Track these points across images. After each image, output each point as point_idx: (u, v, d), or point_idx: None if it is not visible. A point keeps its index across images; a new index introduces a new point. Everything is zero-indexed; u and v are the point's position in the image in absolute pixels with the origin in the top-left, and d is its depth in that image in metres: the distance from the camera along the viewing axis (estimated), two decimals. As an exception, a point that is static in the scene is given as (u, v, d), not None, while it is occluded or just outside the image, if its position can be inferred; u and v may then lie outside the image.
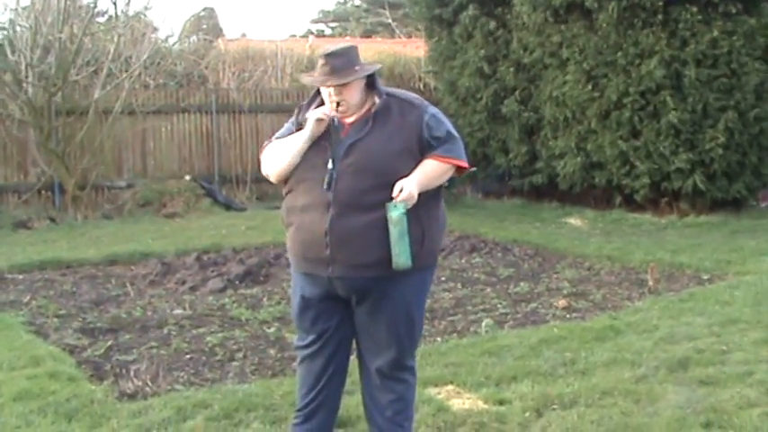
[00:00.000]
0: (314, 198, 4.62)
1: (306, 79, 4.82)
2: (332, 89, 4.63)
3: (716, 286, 9.91)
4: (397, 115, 4.67)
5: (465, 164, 4.81)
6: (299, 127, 4.81)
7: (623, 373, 6.58)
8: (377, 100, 4.70)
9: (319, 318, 4.85)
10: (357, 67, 4.64)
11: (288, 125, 4.92)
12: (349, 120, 4.70)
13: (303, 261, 4.77)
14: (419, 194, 4.54)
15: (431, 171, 4.63)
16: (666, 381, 6.40)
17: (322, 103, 4.78)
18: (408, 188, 4.45)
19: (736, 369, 6.58)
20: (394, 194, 4.46)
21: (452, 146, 4.74)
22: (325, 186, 4.58)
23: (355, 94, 4.66)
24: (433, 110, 4.78)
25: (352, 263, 4.58)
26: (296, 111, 4.93)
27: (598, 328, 7.92)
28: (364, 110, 4.71)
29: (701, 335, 7.64)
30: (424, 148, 4.65)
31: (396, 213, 4.44)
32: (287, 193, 4.81)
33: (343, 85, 4.60)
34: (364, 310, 4.75)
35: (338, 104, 4.66)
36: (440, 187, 4.78)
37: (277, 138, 4.92)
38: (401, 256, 4.46)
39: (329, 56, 4.62)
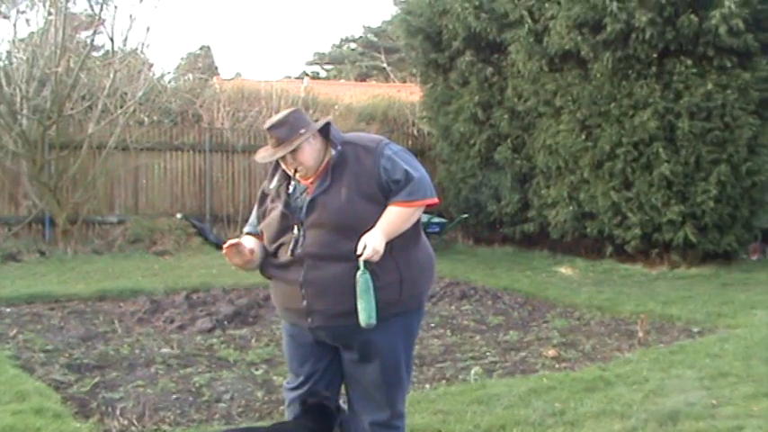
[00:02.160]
0: (286, 256, 4.66)
1: (258, 157, 4.80)
2: (287, 157, 4.64)
3: (706, 339, 9.88)
4: (354, 163, 4.63)
5: (431, 201, 4.71)
6: (263, 196, 4.90)
7: (613, 425, 6.54)
8: (333, 153, 4.67)
9: (308, 360, 4.86)
10: (302, 131, 4.62)
11: (257, 203, 4.97)
12: (310, 179, 4.69)
13: (285, 312, 4.85)
14: (394, 239, 4.53)
15: (395, 218, 4.57)
16: (656, 434, 6.36)
17: (284, 172, 4.77)
18: (371, 244, 4.41)
19: (726, 423, 6.54)
20: (358, 251, 4.42)
21: (414, 187, 4.61)
22: (289, 254, 4.62)
23: (308, 155, 4.65)
24: (389, 151, 4.68)
25: (330, 312, 4.60)
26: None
27: (588, 379, 7.88)
28: (323, 165, 4.69)
29: (691, 388, 7.60)
30: (386, 191, 4.60)
31: (357, 272, 4.43)
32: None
33: (293, 151, 4.60)
34: (351, 356, 4.75)
35: (295, 171, 4.67)
36: (416, 228, 4.76)
37: (247, 228, 5.00)
38: (362, 313, 4.43)
39: (271, 128, 4.66)
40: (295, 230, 4.63)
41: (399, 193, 4.58)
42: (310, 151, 4.64)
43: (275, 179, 4.83)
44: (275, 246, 4.74)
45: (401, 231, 4.60)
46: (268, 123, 4.69)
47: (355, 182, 4.59)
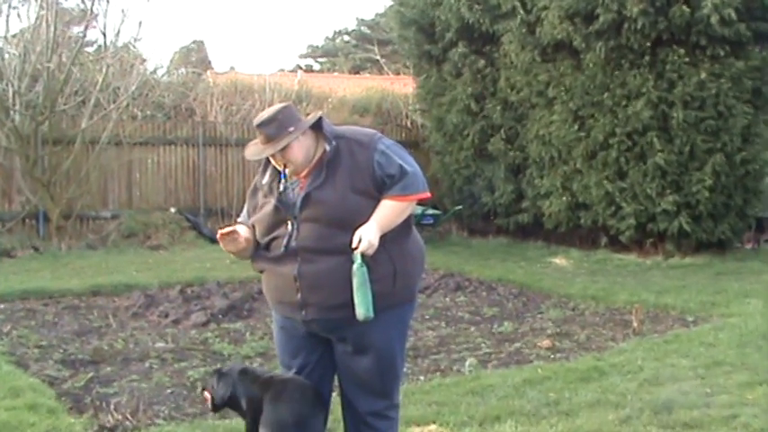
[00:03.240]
0: (280, 251, 4.65)
1: (247, 154, 4.78)
2: (276, 155, 4.64)
3: (700, 328, 9.89)
4: (348, 158, 4.62)
5: (425, 195, 4.72)
6: (255, 190, 4.90)
7: (607, 415, 6.54)
8: (327, 147, 4.66)
9: (300, 352, 4.86)
10: (291, 128, 4.59)
11: (248, 198, 4.97)
12: (303, 174, 4.68)
13: (278, 305, 4.83)
14: (387, 232, 4.54)
15: (390, 212, 4.57)
16: (651, 423, 6.35)
17: (274, 167, 4.76)
18: (367, 237, 4.41)
19: (721, 412, 6.55)
20: (353, 245, 4.42)
21: (408, 182, 4.62)
22: (282, 249, 4.62)
23: (298, 153, 4.63)
24: (382, 146, 4.67)
25: (324, 305, 4.59)
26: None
27: (582, 369, 7.89)
28: (316, 159, 4.68)
29: (685, 377, 7.62)
30: (380, 185, 4.59)
31: (354, 265, 4.42)
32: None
33: (282, 149, 4.59)
34: (344, 348, 4.74)
35: (285, 167, 4.66)
36: (408, 221, 4.76)
37: (240, 220, 5.00)
38: (360, 306, 4.41)
39: (260, 125, 4.63)
40: (289, 225, 4.62)
41: (394, 188, 4.58)
42: (299, 149, 4.62)
43: (267, 174, 4.81)
44: (268, 239, 4.73)
45: (394, 225, 4.60)
46: (257, 120, 4.67)
47: (349, 177, 4.58)
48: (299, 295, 4.61)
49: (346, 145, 4.65)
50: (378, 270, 4.52)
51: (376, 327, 4.58)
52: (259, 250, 4.81)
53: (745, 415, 6.45)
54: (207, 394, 5.01)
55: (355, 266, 4.41)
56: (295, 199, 4.63)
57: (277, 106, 4.71)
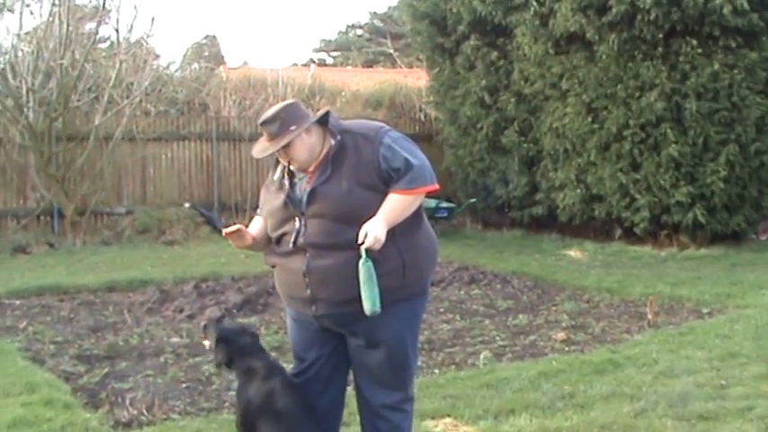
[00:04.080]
0: (290, 247, 4.66)
1: (254, 152, 4.79)
2: (280, 152, 4.66)
3: (716, 320, 9.88)
4: (353, 153, 4.61)
5: (432, 188, 4.70)
6: (268, 185, 4.92)
7: (622, 408, 6.54)
8: (333, 142, 4.66)
9: (313, 345, 4.87)
10: (293, 127, 4.59)
11: (262, 193, 4.99)
12: (311, 169, 4.69)
13: (289, 300, 4.85)
14: (396, 225, 4.54)
15: (396, 206, 4.56)
16: (666, 415, 6.35)
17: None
18: (372, 232, 4.39)
19: (736, 404, 6.54)
20: (360, 240, 4.42)
21: (414, 175, 4.59)
22: (290, 246, 4.63)
23: (300, 151, 4.63)
24: (388, 139, 4.65)
25: (334, 300, 4.60)
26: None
27: (597, 362, 7.88)
28: (323, 155, 4.68)
29: (700, 369, 7.61)
30: (386, 179, 4.58)
31: (360, 260, 4.43)
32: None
33: (285, 147, 4.60)
34: (357, 342, 4.75)
35: (289, 163, 4.68)
36: (418, 213, 4.75)
37: (257, 213, 5.04)
38: (366, 301, 4.41)
39: (263, 124, 4.66)
40: (296, 221, 4.63)
41: (400, 181, 4.57)
42: (302, 147, 4.62)
43: (278, 170, 4.83)
44: (278, 234, 4.74)
45: (402, 218, 4.59)
46: (261, 118, 4.69)
47: (355, 171, 4.57)
48: (308, 291, 4.62)
49: (352, 139, 4.65)
50: (387, 264, 4.52)
51: (387, 320, 4.58)
52: (271, 245, 4.83)
53: (760, 407, 6.44)
54: (206, 342, 5.09)
55: (360, 261, 4.41)
56: (302, 195, 4.65)
57: (282, 104, 4.72)
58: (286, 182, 4.73)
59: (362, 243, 4.39)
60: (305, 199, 4.61)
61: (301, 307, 4.75)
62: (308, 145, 4.64)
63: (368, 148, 4.60)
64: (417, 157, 4.65)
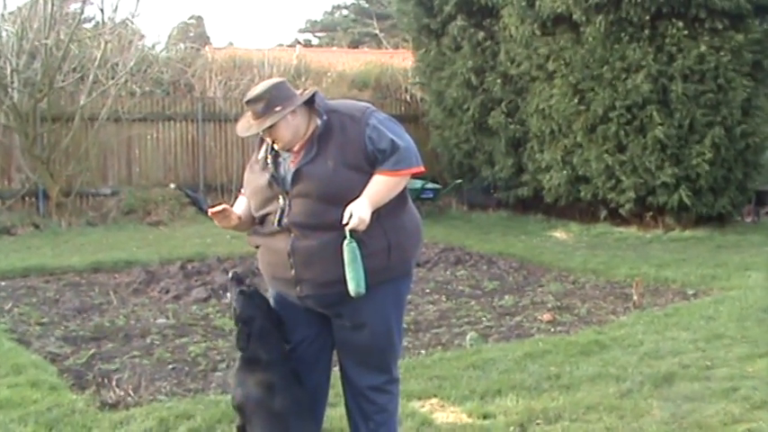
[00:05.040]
0: (273, 227, 4.65)
1: (238, 129, 4.76)
2: (264, 132, 4.65)
3: (701, 301, 9.92)
4: (339, 133, 4.59)
5: (418, 170, 4.69)
6: (252, 164, 4.89)
7: (608, 388, 6.56)
8: (319, 122, 4.64)
9: (297, 326, 4.86)
10: (278, 108, 4.56)
11: (246, 173, 4.96)
12: (296, 148, 4.67)
13: (273, 281, 4.84)
14: (381, 206, 4.53)
15: (382, 187, 4.55)
16: (651, 396, 6.38)
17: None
18: (357, 213, 4.38)
19: (721, 385, 6.58)
20: (344, 221, 4.40)
21: (400, 156, 4.58)
22: (275, 225, 4.61)
23: (284, 131, 4.60)
24: (374, 120, 4.64)
25: (318, 281, 4.59)
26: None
27: (583, 343, 7.90)
28: (309, 134, 4.66)
29: (685, 350, 7.64)
30: (372, 160, 4.57)
31: (344, 241, 4.42)
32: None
33: (270, 127, 4.57)
34: (341, 324, 4.74)
35: (273, 143, 4.66)
36: (403, 194, 4.74)
37: (242, 192, 5.00)
38: (351, 282, 4.40)
39: (249, 102, 4.62)
40: (280, 200, 4.62)
41: (385, 162, 4.55)
42: (286, 128, 4.60)
43: (262, 148, 4.81)
44: (261, 214, 4.73)
45: (387, 200, 4.58)
46: (246, 96, 4.66)
47: (341, 152, 4.56)
48: (292, 271, 4.61)
49: (338, 119, 4.63)
50: (372, 244, 4.52)
51: (372, 302, 4.58)
52: (254, 226, 4.82)
53: (745, 387, 6.48)
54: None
55: (345, 242, 4.40)
56: (287, 174, 4.64)
57: (268, 82, 4.68)
58: (270, 161, 4.71)
59: (347, 224, 4.38)
60: (289, 178, 4.59)
61: (285, 288, 4.74)
62: (293, 126, 4.62)
63: (354, 129, 4.58)
64: (403, 138, 4.64)
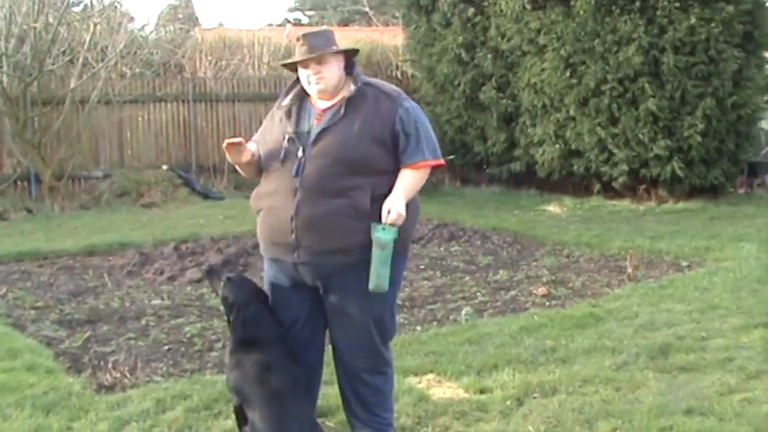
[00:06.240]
0: (282, 183, 4.66)
1: (284, 62, 4.86)
2: (312, 66, 4.66)
3: (695, 273, 9.94)
4: (372, 103, 4.67)
5: (440, 162, 4.79)
6: (272, 116, 4.95)
7: (604, 361, 6.58)
8: (353, 87, 4.69)
9: (290, 306, 4.87)
10: (335, 47, 4.70)
11: (266, 120, 5.00)
12: (323, 106, 4.71)
13: (271, 246, 4.82)
14: (387, 186, 4.62)
15: (412, 180, 4.67)
16: (647, 368, 6.41)
17: (300, 91, 4.79)
18: (396, 208, 4.48)
19: (717, 355, 6.61)
20: (383, 218, 4.47)
21: (425, 146, 4.70)
22: (293, 172, 4.61)
23: (334, 71, 4.70)
24: (408, 103, 4.74)
25: (317, 249, 4.60)
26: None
27: (578, 316, 7.92)
28: (339, 97, 4.72)
29: (680, 321, 7.66)
30: (396, 139, 4.64)
31: (385, 237, 4.47)
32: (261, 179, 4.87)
33: (322, 63, 4.65)
34: (333, 300, 4.75)
35: (317, 81, 4.69)
36: None
37: (253, 138, 5.04)
38: (382, 279, 4.49)
39: (307, 35, 4.71)
40: (299, 153, 4.64)
41: (412, 155, 4.66)
42: (335, 69, 4.72)
43: (288, 97, 4.85)
44: (272, 170, 4.75)
45: (416, 192, 4.72)
46: (302, 32, 4.77)
47: (369, 121, 4.63)
48: (293, 236, 4.62)
49: (373, 92, 4.73)
50: (371, 222, 4.53)
51: (364, 278, 4.59)
52: (260, 189, 4.83)
53: (740, 358, 6.51)
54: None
55: (385, 239, 4.47)
56: (310, 130, 4.68)
57: (323, 27, 4.82)
58: (295, 110, 4.76)
59: (385, 219, 4.49)
60: (313, 135, 4.65)
61: (283, 254, 4.73)
62: (339, 72, 4.74)
63: (387, 104, 4.68)
64: (429, 130, 4.77)
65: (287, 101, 4.83)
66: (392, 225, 4.48)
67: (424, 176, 4.74)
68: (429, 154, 4.71)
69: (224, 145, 4.77)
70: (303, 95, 4.83)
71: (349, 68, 4.80)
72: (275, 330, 4.82)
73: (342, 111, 4.65)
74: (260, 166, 4.85)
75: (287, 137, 4.70)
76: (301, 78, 4.78)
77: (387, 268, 4.48)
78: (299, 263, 4.66)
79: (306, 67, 4.71)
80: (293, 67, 4.84)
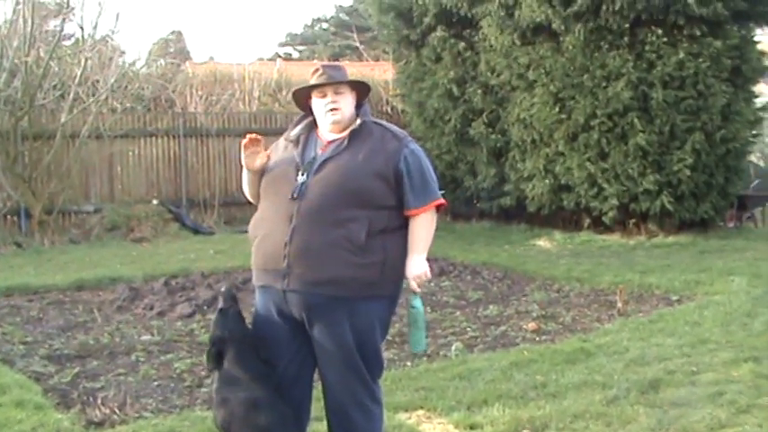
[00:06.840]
0: (281, 209, 4.68)
1: (302, 86, 4.92)
2: (328, 98, 4.76)
3: (685, 307, 9.94)
4: (378, 140, 4.75)
5: (440, 202, 4.90)
6: (276, 146, 5.01)
7: (594, 396, 6.57)
8: (358, 122, 4.78)
9: (279, 343, 4.84)
10: (351, 78, 4.88)
11: (273, 146, 5.03)
12: (329, 138, 4.78)
13: (262, 273, 4.81)
14: (388, 222, 4.65)
15: (422, 230, 4.82)
16: (638, 403, 6.39)
17: (310, 123, 4.89)
18: (417, 272, 4.76)
19: (707, 390, 6.59)
20: (413, 288, 4.75)
21: (432, 187, 4.86)
22: (293, 198, 4.64)
23: (349, 104, 4.81)
24: (414, 146, 4.83)
25: (308, 277, 4.60)
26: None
27: (568, 351, 7.91)
28: (347, 131, 4.78)
29: (671, 356, 7.65)
30: (399, 179, 4.70)
31: (419, 305, 4.84)
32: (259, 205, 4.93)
33: (338, 93, 4.76)
34: (319, 335, 4.72)
35: (333, 112, 4.78)
36: (406, 217, 4.80)
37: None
38: (415, 343, 4.93)
39: (326, 66, 4.85)
40: (302, 179, 4.67)
41: (416, 199, 4.76)
42: (350, 102, 4.83)
43: (298, 127, 4.94)
44: (271, 195, 4.79)
45: (430, 239, 4.86)
46: (321, 64, 4.89)
47: (373, 156, 4.69)
48: (285, 262, 4.61)
49: (380, 130, 4.83)
50: (369, 256, 4.59)
51: (352, 314, 4.62)
52: (257, 214, 4.90)
53: (731, 392, 6.50)
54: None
55: (419, 306, 4.83)
56: (315, 159, 4.74)
57: (338, 62, 4.92)
58: (302, 139, 4.86)
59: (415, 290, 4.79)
60: (316, 164, 4.70)
61: (273, 280, 4.71)
62: (351, 105, 4.84)
63: (393, 143, 4.77)
64: (432, 173, 4.91)
65: (296, 131, 4.92)
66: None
67: (434, 218, 4.86)
68: (436, 195, 4.83)
69: (243, 142, 4.84)
70: (312, 127, 4.92)
71: (358, 107, 4.88)
72: (256, 368, 4.79)
73: (346, 143, 4.73)
74: (257, 189, 4.92)
75: (291, 163, 4.75)
76: (316, 109, 4.85)
77: (419, 331, 4.89)
78: (289, 290, 4.65)
79: (323, 96, 4.79)
80: (302, 100, 4.94)
